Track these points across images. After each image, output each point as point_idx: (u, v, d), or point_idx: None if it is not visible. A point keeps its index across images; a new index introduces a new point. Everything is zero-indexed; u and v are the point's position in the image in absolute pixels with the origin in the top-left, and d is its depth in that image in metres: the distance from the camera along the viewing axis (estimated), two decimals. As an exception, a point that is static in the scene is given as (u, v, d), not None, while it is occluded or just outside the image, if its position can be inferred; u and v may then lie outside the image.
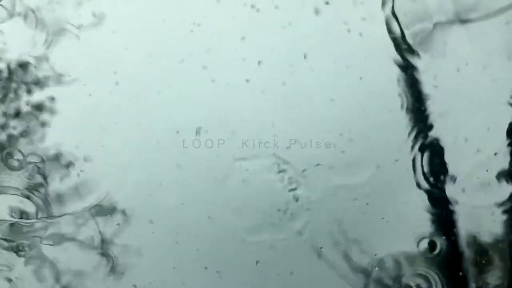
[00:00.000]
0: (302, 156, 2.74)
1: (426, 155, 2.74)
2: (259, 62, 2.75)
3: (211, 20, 2.75)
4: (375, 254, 2.71)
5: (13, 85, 2.70)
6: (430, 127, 2.75)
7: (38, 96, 2.69)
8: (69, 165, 2.70)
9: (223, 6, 2.76)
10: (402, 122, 2.75)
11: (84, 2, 2.71)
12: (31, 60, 2.68)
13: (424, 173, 2.73)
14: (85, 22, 2.72)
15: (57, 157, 2.70)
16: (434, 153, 2.74)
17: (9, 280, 2.65)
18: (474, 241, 2.71)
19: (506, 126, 2.76)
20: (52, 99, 2.69)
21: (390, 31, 2.77)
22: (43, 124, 2.70)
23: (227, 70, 2.75)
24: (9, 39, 2.69)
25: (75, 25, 2.70)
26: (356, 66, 2.76)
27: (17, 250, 2.65)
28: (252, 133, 2.75)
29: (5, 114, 2.69)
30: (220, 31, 2.74)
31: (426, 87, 2.77)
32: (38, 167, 2.67)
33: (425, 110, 2.75)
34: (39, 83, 2.68)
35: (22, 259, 2.67)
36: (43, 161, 2.70)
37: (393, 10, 2.79)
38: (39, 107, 2.69)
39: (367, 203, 2.72)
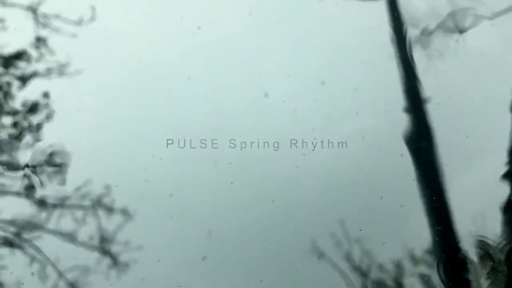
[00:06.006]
0: (304, 157, 2.74)
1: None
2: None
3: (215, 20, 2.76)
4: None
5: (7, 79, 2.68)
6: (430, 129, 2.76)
7: (35, 93, 2.69)
8: (68, 164, 2.70)
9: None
10: (403, 123, 2.77)
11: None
12: (30, 52, 2.68)
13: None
14: (84, 18, 2.72)
15: (56, 156, 2.69)
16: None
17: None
18: (476, 244, 2.72)
19: (507, 130, 2.77)
20: (49, 95, 2.69)
21: None
22: (41, 123, 2.69)
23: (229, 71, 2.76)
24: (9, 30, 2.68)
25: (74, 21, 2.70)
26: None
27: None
28: (252, 134, 2.75)
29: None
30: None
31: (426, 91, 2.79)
32: (36, 167, 2.67)
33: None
34: (35, 77, 2.68)
35: (26, 259, 2.66)
36: (42, 160, 2.69)
37: None
38: (35, 105, 2.68)
39: (369, 205, 2.72)
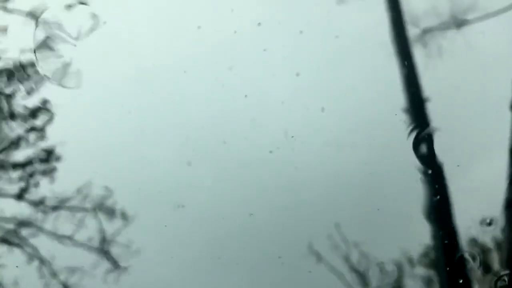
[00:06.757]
0: (303, 157, 2.75)
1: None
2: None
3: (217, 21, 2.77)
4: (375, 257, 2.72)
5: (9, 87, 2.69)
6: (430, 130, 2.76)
7: (36, 96, 2.69)
8: (67, 165, 2.71)
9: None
10: (403, 124, 2.77)
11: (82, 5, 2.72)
12: (31, 59, 2.68)
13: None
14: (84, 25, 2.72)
15: (56, 157, 2.70)
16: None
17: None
18: (475, 242, 2.72)
19: (506, 130, 2.77)
20: (51, 99, 2.69)
21: None
22: (42, 125, 2.70)
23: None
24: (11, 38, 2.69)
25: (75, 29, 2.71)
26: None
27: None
28: (252, 134, 2.76)
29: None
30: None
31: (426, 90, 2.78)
32: (36, 168, 2.67)
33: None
34: (37, 83, 2.68)
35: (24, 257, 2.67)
36: (42, 161, 2.69)
37: None
38: (37, 108, 2.69)
39: (369, 206, 2.73)
